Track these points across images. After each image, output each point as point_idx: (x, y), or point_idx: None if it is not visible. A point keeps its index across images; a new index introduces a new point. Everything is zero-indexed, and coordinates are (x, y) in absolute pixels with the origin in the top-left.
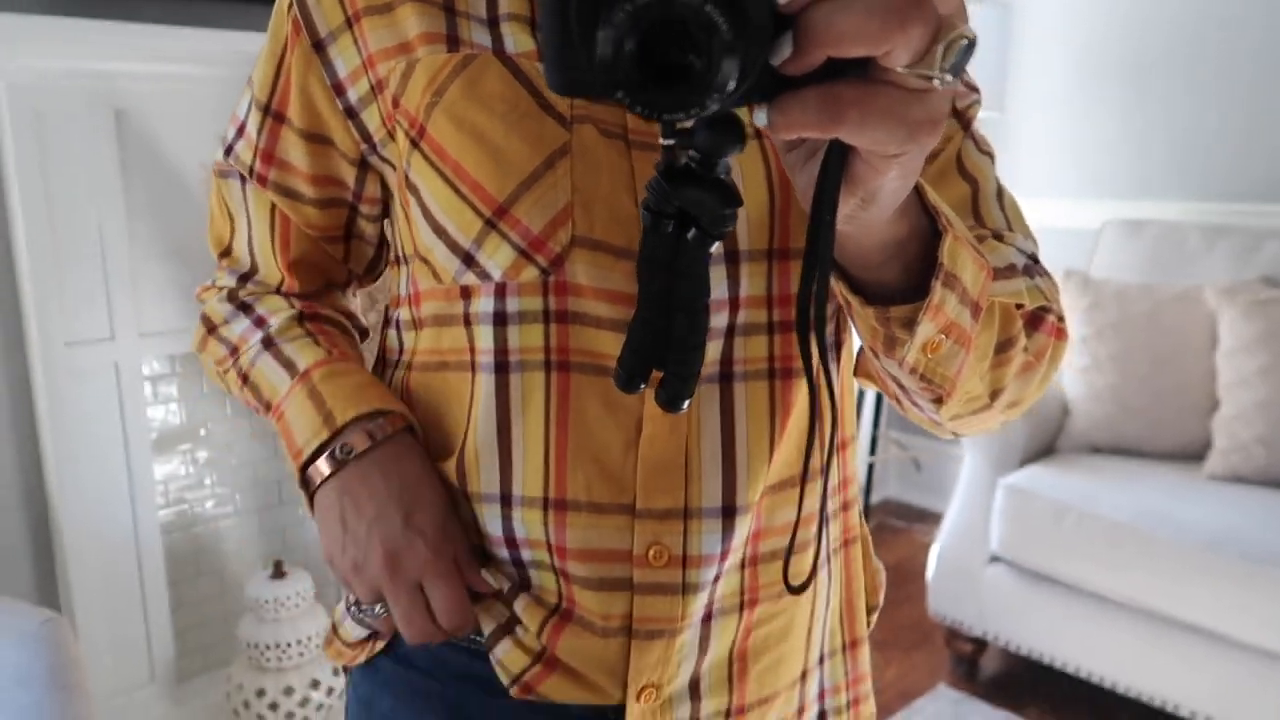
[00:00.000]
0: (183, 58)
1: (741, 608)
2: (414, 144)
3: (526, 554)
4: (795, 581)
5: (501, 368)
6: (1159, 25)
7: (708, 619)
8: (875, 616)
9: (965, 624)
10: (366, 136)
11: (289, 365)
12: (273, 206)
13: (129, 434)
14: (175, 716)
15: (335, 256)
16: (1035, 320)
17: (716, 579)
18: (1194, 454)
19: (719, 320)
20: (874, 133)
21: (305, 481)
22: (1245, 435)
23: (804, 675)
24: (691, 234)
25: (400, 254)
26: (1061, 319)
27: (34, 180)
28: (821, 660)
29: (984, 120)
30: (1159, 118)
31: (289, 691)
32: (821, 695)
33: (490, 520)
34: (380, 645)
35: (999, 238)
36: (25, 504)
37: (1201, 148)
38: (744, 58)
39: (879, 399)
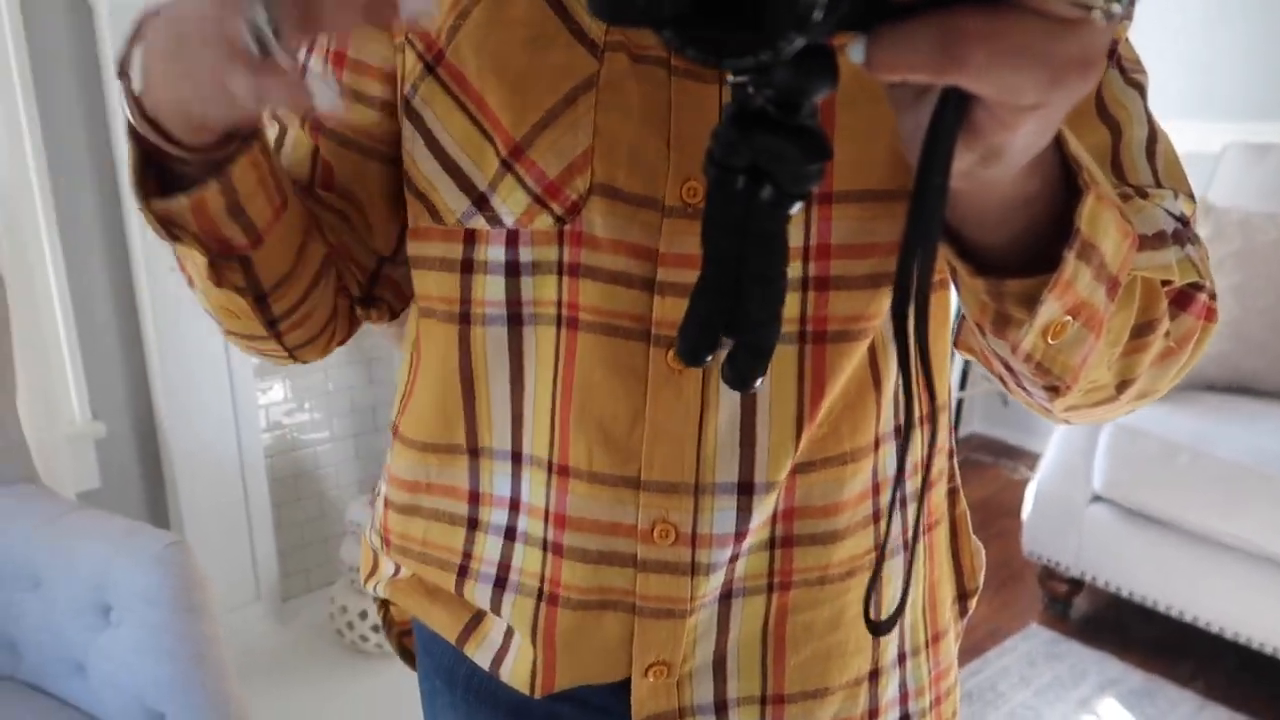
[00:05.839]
0: None
1: (770, 589)
2: (429, 68)
3: (523, 523)
4: (879, 616)
5: (515, 319)
6: None
7: (726, 597)
8: (975, 600)
9: (1062, 564)
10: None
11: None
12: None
13: (232, 359)
14: (280, 634)
15: (373, 190)
16: (1183, 299)
17: (734, 559)
18: None
19: None
20: (1006, 78)
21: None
22: None
23: (875, 675)
24: (766, 192)
25: None
26: (1214, 296)
27: None
28: (902, 659)
29: None
30: None
31: None
32: (905, 698)
33: (499, 479)
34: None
35: (1143, 195)
36: (135, 428)
37: None
38: None
39: (962, 319)
